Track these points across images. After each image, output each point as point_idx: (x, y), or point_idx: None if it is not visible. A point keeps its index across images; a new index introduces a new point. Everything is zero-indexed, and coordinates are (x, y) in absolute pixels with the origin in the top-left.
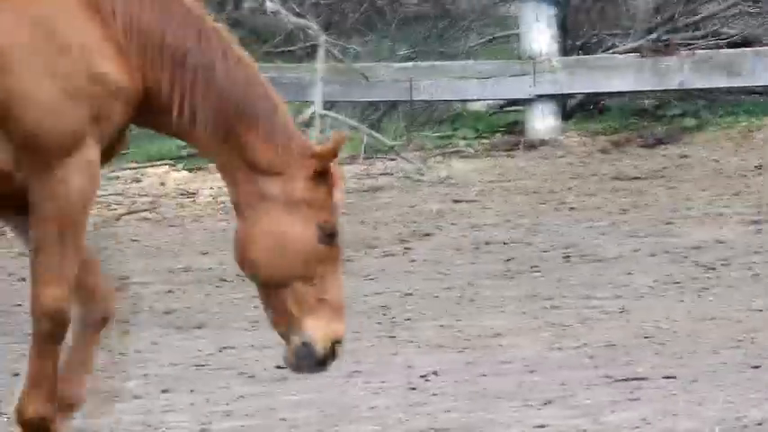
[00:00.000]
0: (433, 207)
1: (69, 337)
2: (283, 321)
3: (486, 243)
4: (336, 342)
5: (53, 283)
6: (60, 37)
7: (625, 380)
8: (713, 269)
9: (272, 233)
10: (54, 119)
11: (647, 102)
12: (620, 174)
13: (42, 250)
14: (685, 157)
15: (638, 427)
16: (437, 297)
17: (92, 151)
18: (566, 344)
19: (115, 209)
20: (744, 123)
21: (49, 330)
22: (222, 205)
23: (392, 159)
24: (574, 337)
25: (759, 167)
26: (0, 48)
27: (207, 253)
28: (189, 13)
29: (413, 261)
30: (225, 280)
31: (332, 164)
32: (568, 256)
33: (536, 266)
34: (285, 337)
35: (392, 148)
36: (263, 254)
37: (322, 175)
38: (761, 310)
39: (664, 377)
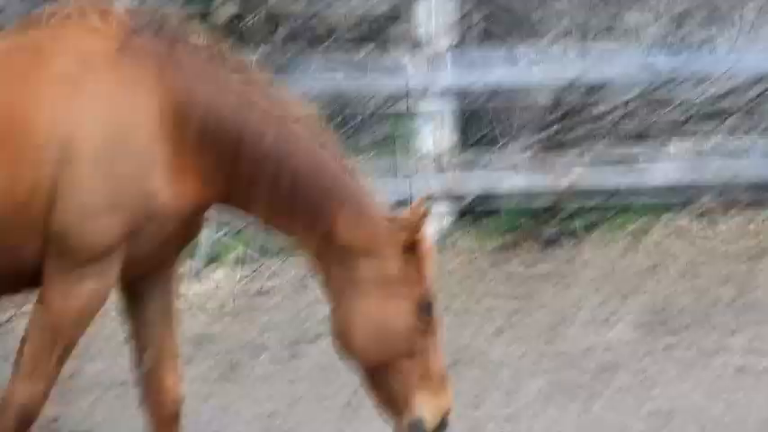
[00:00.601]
0: (321, 312)
1: None
2: (390, 401)
3: None
4: (445, 413)
5: (32, 380)
6: (127, 145)
7: None
8: (604, 372)
9: (371, 316)
10: (91, 224)
11: (539, 201)
12: (512, 275)
13: (33, 345)
14: (576, 258)
15: None
16: (324, 404)
17: (114, 264)
18: None
19: (4, 310)
20: (636, 224)
21: (12, 425)
22: (107, 310)
23: (282, 261)
24: None
25: (651, 268)
26: (70, 138)
27: (94, 359)
28: (271, 103)
29: (300, 366)
30: (112, 386)
31: (419, 234)
32: (457, 361)
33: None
34: (394, 416)
35: (282, 250)
36: (365, 339)
37: (412, 248)
38: (651, 415)
39: None
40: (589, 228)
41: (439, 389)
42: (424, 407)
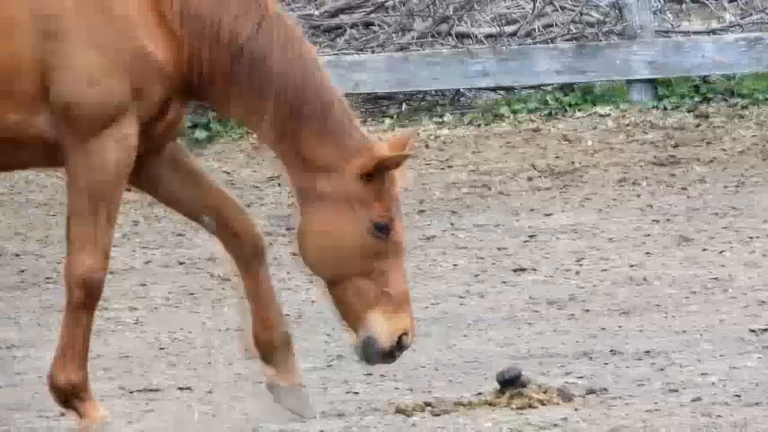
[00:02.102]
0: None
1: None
2: (347, 317)
3: None
4: (403, 334)
5: (87, 252)
6: (108, 10)
7: (140, 391)
8: (228, 280)
9: (324, 231)
10: (93, 90)
11: None
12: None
13: (77, 219)
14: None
15: None
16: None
17: (129, 125)
18: None
19: None
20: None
21: (82, 299)
22: None
23: None
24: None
25: (272, 179)
26: (49, 14)
27: None
28: (252, 1)
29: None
30: None
31: (383, 159)
32: None
33: (49, 278)
34: (354, 330)
35: None
36: (317, 251)
37: (377, 172)
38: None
39: (179, 388)
40: (208, 139)
41: (397, 310)
42: (378, 326)
